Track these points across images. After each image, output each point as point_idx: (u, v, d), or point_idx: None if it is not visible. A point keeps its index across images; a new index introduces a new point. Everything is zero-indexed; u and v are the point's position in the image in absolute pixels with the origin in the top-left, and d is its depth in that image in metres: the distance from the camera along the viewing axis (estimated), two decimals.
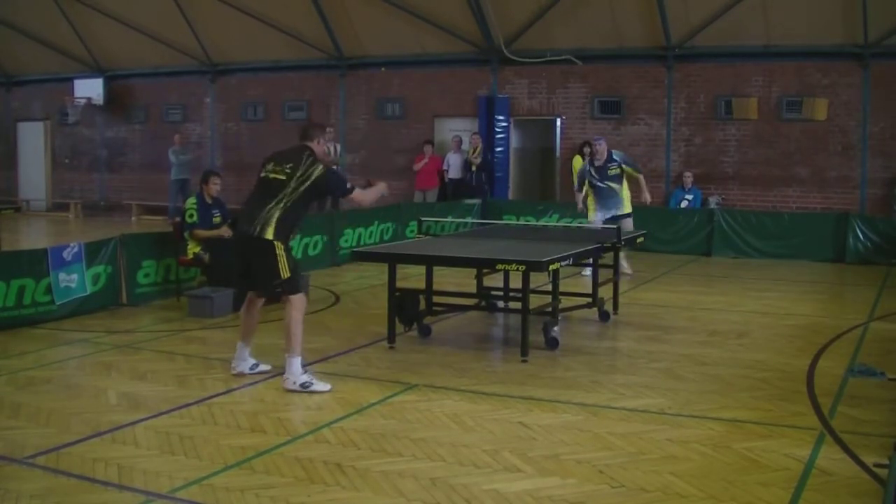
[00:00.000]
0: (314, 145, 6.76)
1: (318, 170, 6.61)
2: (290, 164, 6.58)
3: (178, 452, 5.09)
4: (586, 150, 16.36)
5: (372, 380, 6.77)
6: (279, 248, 6.48)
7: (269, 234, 6.45)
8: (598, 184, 12.05)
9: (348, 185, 6.83)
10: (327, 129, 17.59)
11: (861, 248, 13.92)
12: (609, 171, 12.05)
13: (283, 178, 6.54)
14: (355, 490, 4.58)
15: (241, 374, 6.80)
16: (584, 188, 12.27)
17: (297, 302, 6.59)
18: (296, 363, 6.48)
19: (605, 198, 12.07)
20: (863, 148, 15.20)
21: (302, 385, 6.41)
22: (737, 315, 9.57)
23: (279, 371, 6.75)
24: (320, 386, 6.44)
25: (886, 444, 5.15)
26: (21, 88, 23.50)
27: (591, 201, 12.31)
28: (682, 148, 16.49)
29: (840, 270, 13.43)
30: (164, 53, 20.39)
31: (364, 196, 7.07)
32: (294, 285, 6.61)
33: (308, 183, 6.54)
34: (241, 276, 6.87)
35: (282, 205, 6.51)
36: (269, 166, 6.66)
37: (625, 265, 11.80)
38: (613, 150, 12.49)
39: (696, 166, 16.22)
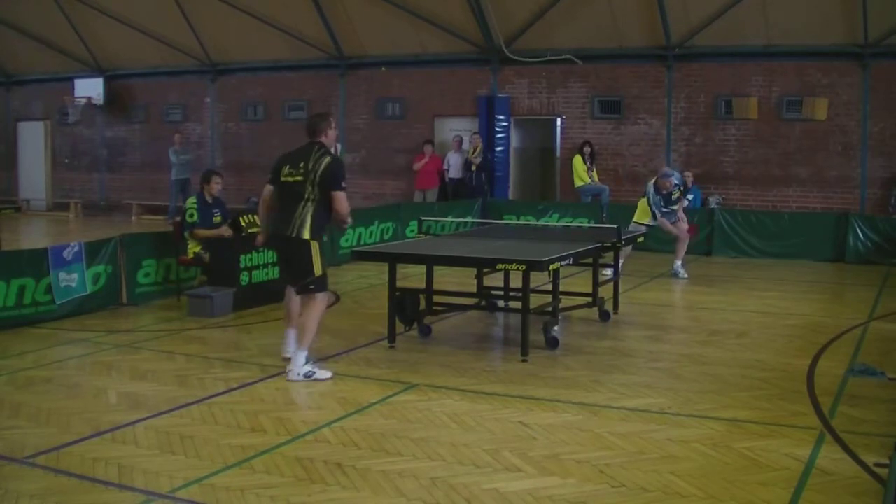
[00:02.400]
0: (324, 138, 6.84)
1: (325, 162, 6.68)
2: (303, 164, 6.70)
3: (178, 452, 5.09)
4: (586, 149, 16.40)
5: (372, 380, 6.77)
6: (314, 247, 6.69)
7: (306, 234, 6.65)
8: (665, 209, 12.06)
9: (343, 185, 6.74)
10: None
11: (861, 248, 13.91)
12: (672, 196, 12.11)
13: (301, 178, 6.68)
14: (355, 490, 4.58)
15: (288, 360, 6.88)
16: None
17: (321, 300, 6.82)
18: (302, 357, 6.69)
19: (666, 217, 12.16)
20: (863, 148, 15.21)
21: (305, 375, 6.61)
22: (737, 315, 9.56)
23: (282, 370, 6.82)
24: (322, 374, 6.68)
25: (886, 444, 5.15)
26: (21, 88, 23.51)
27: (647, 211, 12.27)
28: (682, 148, 16.49)
29: (840, 270, 13.43)
30: (164, 53, 20.40)
31: (343, 203, 6.72)
32: (323, 283, 6.82)
33: (318, 178, 6.64)
34: (283, 271, 7.27)
35: (310, 204, 6.66)
36: (286, 170, 6.77)
37: (682, 272, 12.14)
38: (675, 173, 12.44)
39: (697, 166, 16.21)
